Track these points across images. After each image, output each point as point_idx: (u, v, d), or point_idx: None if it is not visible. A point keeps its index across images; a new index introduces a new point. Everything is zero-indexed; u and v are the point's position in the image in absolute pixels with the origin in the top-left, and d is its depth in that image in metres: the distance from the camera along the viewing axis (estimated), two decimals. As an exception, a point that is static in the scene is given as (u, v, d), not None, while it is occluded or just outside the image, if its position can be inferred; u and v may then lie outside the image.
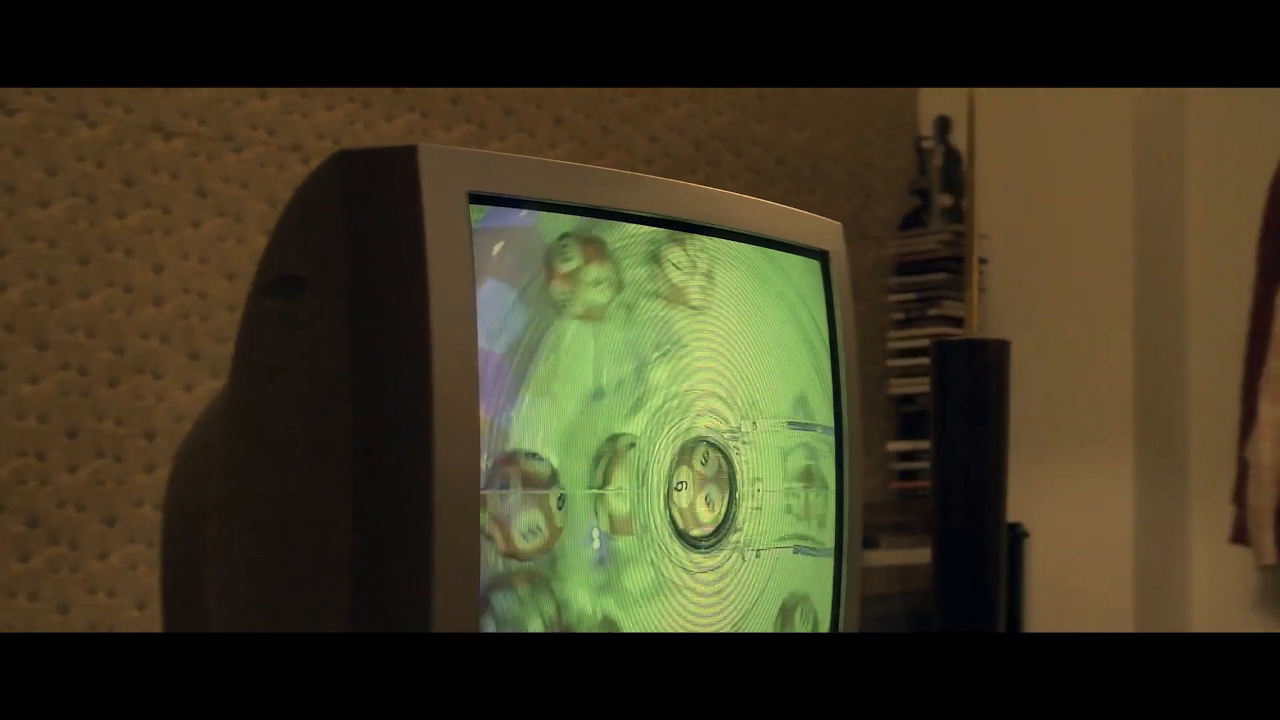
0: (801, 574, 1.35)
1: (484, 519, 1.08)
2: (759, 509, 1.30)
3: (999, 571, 1.73)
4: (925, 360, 3.65)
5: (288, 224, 1.12)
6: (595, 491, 1.16)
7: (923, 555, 3.31)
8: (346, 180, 1.08)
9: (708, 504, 1.25)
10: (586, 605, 1.15)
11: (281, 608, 1.12)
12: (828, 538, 1.38)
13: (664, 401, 1.21)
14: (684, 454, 1.23)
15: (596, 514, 1.16)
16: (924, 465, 3.64)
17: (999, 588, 1.72)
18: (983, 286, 3.74)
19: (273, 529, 1.13)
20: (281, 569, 1.12)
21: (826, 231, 1.41)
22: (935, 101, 3.90)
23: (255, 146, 2.80)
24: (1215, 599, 3.65)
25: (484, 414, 1.08)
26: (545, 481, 1.13)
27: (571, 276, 1.16)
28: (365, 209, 1.07)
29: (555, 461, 1.13)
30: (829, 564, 1.39)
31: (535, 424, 1.12)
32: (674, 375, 1.22)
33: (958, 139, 3.81)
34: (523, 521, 1.11)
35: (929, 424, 3.87)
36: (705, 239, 1.26)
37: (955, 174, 3.81)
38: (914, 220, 3.86)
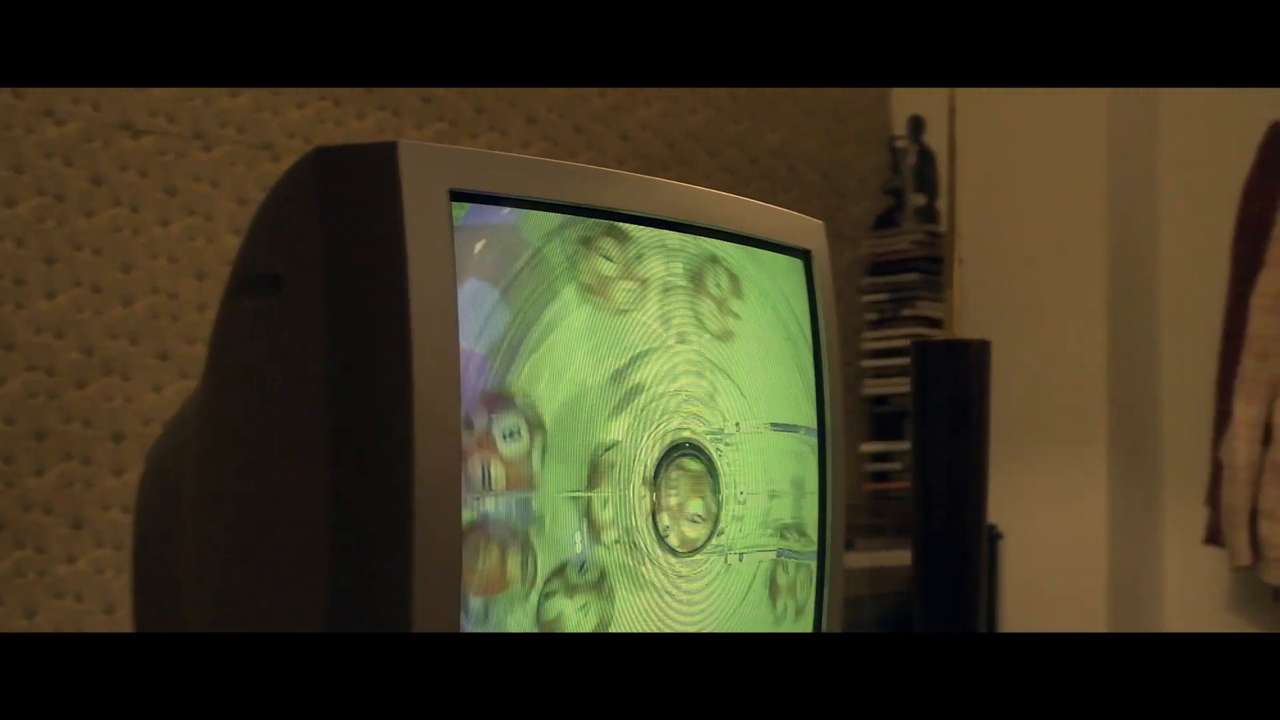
0: (785, 578, 1.34)
1: (465, 520, 1.06)
2: (742, 513, 1.28)
3: (981, 573, 1.72)
4: (899, 361, 3.66)
5: (264, 221, 1.10)
6: (578, 494, 1.14)
7: (897, 558, 3.31)
8: (325, 177, 1.06)
9: (690, 508, 1.23)
10: (569, 609, 1.13)
11: (258, 608, 1.11)
12: (810, 541, 1.37)
13: (647, 403, 1.20)
14: (667, 457, 1.21)
15: (579, 517, 1.14)
16: (898, 466, 3.64)
17: (981, 589, 1.71)
18: (948, 287, 3.73)
19: (250, 530, 1.11)
20: (258, 570, 1.11)
21: (809, 230, 1.40)
22: (908, 101, 3.89)
23: (225, 145, 2.77)
24: (1188, 600, 3.65)
25: (465, 414, 1.07)
26: (527, 483, 1.11)
27: (554, 276, 1.14)
28: (344, 206, 1.06)
29: (537, 463, 1.11)
30: (812, 567, 1.38)
31: (517, 425, 1.10)
32: (657, 376, 1.21)
33: (931, 139, 3.80)
34: (504, 524, 1.09)
35: (903, 425, 3.86)
36: (689, 237, 1.25)
37: (929, 174, 3.81)
38: (887, 220, 3.85)
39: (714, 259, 1.27)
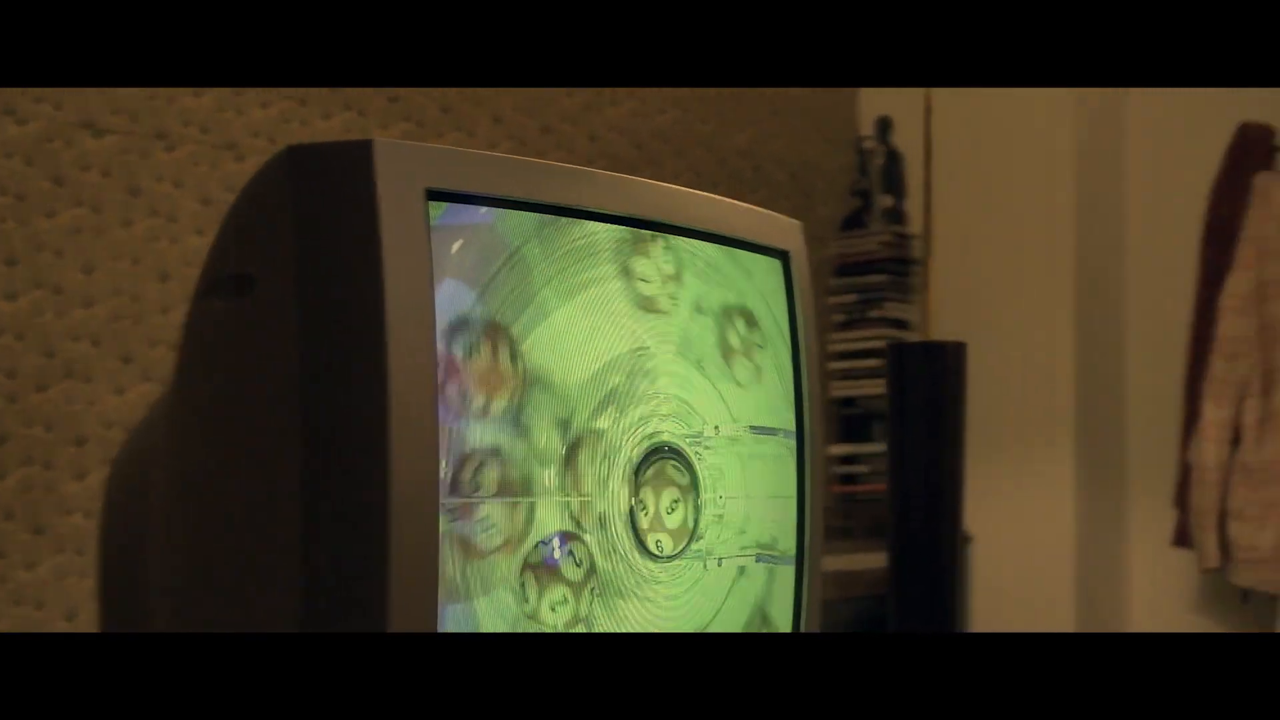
0: (763, 583, 1.32)
1: (442, 525, 1.04)
2: (721, 517, 1.27)
3: (957, 575, 1.71)
4: (867, 363, 3.65)
5: (236, 221, 1.08)
6: (556, 498, 1.12)
7: (866, 560, 3.29)
8: (298, 176, 1.04)
9: (670, 512, 1.21)
10: (546, 612, 1.11)
11: (230, 611, 1.09)
12: (789, 545, 1.35)
13: (626, 406, 1.18)
14: (646, 460, 1.19)
15: (556, 522, 1.12)
16: (865, 469, 3.62)
17: (957, 591, 1.70)
18: (924, 288, 3.73)
19: (222, 533, 1.09)
20: (229, 574, 1.09)
21: (787, 231, 1.39)
22: (876, 102, 3.88)
23: (188, 144, 2.74)
24: (1155, 602, 3.65)
25: (442, 417, 1.04)
26: (504, 487, 1.09)
27: (532, 276, 1.12)
28: (318, 205, 1.03)
29: (516, 466, 1.09)
30: (790, 572, 1.36)
31: (495, 428, 1.08)
32: (635, 379, 1.19)
33: (899, 140, 3.80)
34: (481, 527, 1.07)
35: (871, 427, 3.84)
36: (668, 238, 1.23)
37: (896, 175, 3.80)
38: (854, 221, 3.84)
39: (693, 260, 1.25)
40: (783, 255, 1.37)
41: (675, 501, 1.22)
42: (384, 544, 1.01)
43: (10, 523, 2.51)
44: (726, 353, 1.28)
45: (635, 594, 1.18)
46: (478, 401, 1.08)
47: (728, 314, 1.29)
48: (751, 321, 1.32)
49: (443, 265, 1.06)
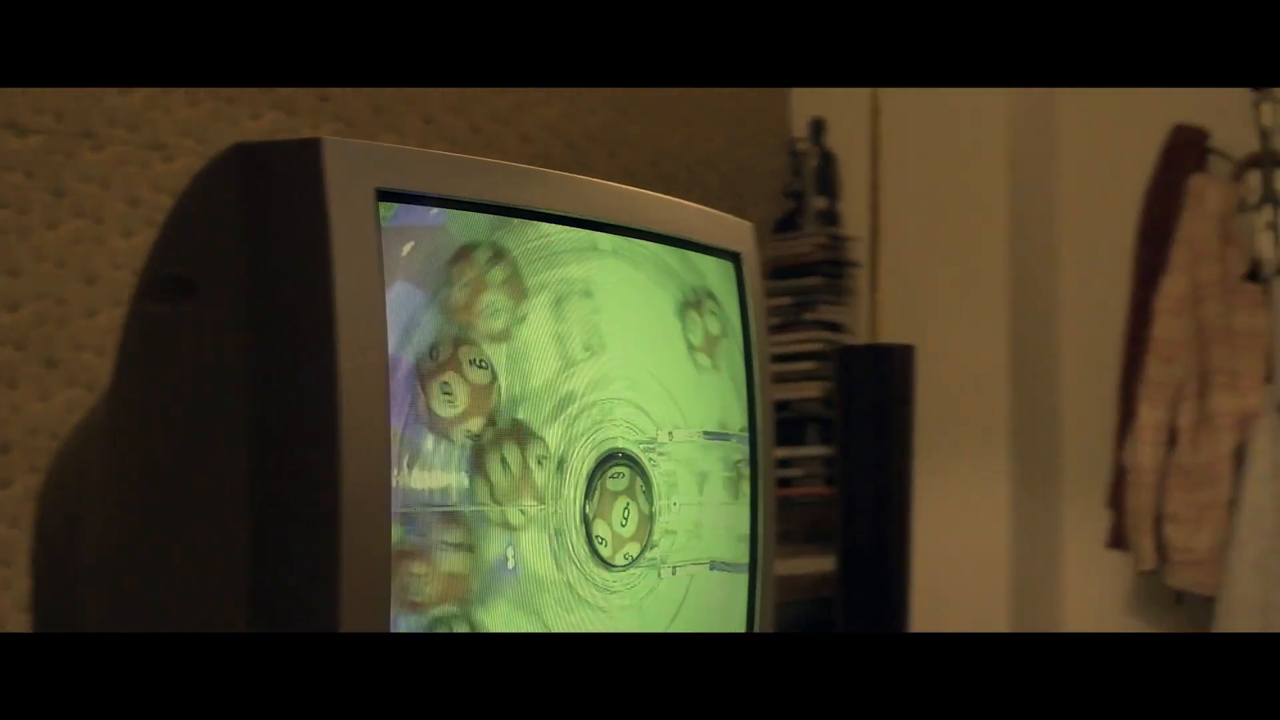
0: (717, 590, 1.30)
1: (395, 535, 1.01)
2: (675, 525, 1.24)
3: (905, 577, 1.70)
4: (802, 365, 3.64)
5: (179, 220, 1.04)
6: (509, 506, 1.09)
7: (807, 565, 3.27)
8: (245, 175, 1.01)
9: (624, 520, 1.19)
10: (500, 623, 1.08)
11: (173, 618, 1.05)
12: (742, 552, 1.33)
13: (579, 412, 1.15)
14: (600, 467, 1.17)
15: (510, 529, 1.09)
16: (800, 473, 3.60)
17: (906, 594, 1.69)
18: (855, 290, 3.71)
19: (164, 539, 1.06)
20: (172, 578, 1.07)
21: (739, 232, 1.37)
22: (809, 103, 3.86)
23: (115, 145, 2.68)
24: (1089, 603, 3.65)
25: (392, 421, 1.01)
26: (456, 495, 1.06)
27: (483, 278, 1.09)
28: (265, 206, 1.00)
29: (468, 474, 1.07)
30: (743, 580, 1.34)
31: (447, 434, 1.05)
32: (589, 384, 1.16)
33: (832, 141, 3.78)
34: (433, 536, 1.05)
35: (806, 430, 3.81)
36: (620, 239, 1.21)
37: (830, 177, 3.78)
38: (788, 224, 3.82)
39: (645, 262, 1.23)
40: (734, 257, 1.35)
41: (629, 510, 1.19)
42: (335, 547, 0.99)
43: (-68, 532, 2.46)
44: (680, 356, 1.26)
45: (589, 604, 1.16)
46: (428, 405, 1.05)
47: (681, 316, 1.26)
48: (705, 324, 1.30)
49: (394, 267, 1.03)
